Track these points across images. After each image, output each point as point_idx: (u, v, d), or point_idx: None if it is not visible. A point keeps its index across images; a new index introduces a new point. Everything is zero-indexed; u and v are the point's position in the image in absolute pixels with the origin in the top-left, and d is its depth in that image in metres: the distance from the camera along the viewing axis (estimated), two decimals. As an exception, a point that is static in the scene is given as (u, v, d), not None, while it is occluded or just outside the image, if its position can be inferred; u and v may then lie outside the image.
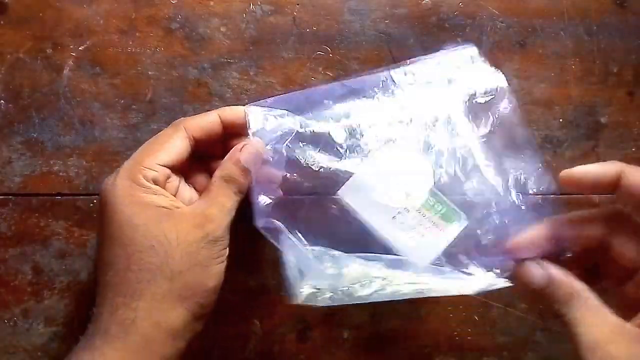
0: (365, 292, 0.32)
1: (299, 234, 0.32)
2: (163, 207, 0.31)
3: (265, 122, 0.33)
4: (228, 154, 0.33)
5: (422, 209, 0.34)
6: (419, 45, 0.40)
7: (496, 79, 0.35)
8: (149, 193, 0.31)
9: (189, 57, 0.39)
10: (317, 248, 0.32)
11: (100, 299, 0.30)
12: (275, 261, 0.39)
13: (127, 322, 0.29)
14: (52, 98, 0.38)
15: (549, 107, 0.41)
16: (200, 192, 0.35)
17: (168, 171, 0.32)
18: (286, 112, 0.34)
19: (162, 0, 0.39)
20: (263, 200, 0.32)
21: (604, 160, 0.41)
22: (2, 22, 0.38)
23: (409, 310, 0.41)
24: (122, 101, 0.39)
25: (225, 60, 0.39)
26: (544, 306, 0.42)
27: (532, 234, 0.31)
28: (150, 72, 0.39)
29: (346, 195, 0.34)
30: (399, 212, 0.33)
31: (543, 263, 0.31)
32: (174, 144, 0.33)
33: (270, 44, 0.40)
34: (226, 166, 0.33)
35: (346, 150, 0.34)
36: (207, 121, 0.34)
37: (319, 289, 0.31)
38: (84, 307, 0.38)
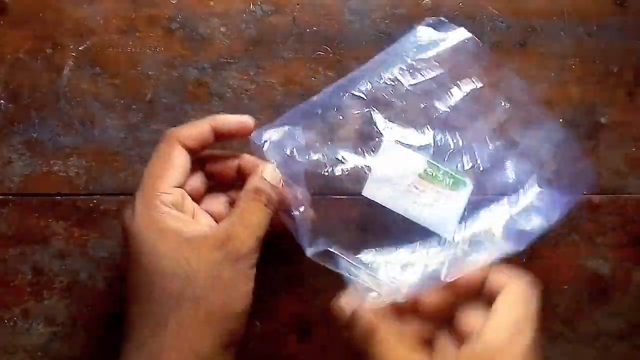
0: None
1: (345, 248, 0.35)
2: (184, 231, 0.30)
3: (273, 135, 0.34)
4: (252, 171, 0.33)
5: (435, 186, 0.37)
6: (419, 45, 0.40)
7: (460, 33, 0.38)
8: (169, 218, 0.30)
9: (189, 57, 0.39)
10: (365, 255, 0.36)
11: (127, 332, 0.30)
12: (275, 261, 0.39)
13: (154, 355, 0.28)
14: (52, 98, 0.38)
15: (549, 107, 0.41)
16: (216, 219, 0.34)
17: (183, 191, 0.32)
18: (289, 126, 0.35)
19: (162, 0, 0.39)
20: (304, 227, 0.33)
21: (604, 160, 0.41)
22: (2, 22, 0.38)
23: (409, 310, 0.41)
24: (122, 101, 0.39)
25: (225, 60, 0.39)
26: (543, 306, 0.42)
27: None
28: (150, 72, 0.39)
29: (370, 192, 0.36)
30: (417, 195, 0.37)
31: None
32: (176, 161, 0.31)
33: (270, 44, 0.40)
34: (254, 180, 0.32)
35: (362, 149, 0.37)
36: (199, 131, 0.33)
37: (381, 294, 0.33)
38: (84, 307, 0.38)
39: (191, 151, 0.32)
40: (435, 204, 0.37)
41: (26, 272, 0.38)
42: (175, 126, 0.39)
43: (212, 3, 0.39)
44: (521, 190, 0.37)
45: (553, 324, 0.42)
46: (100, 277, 0.38)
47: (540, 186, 0.37)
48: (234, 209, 0.31)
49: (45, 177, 0.38)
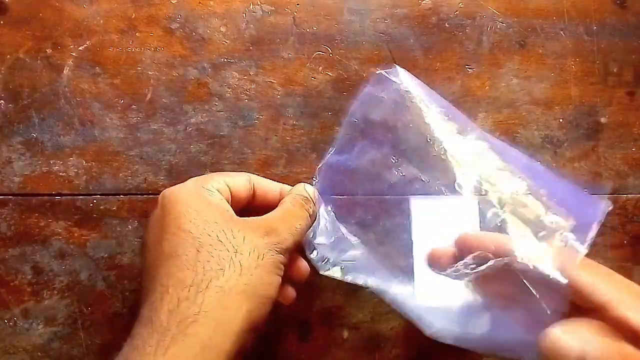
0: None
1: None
2: (230, 210, 0.31)
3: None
4: (294, 187, 0.35)
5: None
6: (419, 45, 0.40)
7: None
8: (217, 198, 0.31)
9: (189, 57, 0.39)
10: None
11: (156, 294, 0.28)
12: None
13: (188, 321, 0.27)
14: (52, 98, 0.38)
15: (549, 107, 0.41)
16: None
17: (229, 192, 0.33)
18: None
19: (162, 0, 0.39)
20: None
21: (605, 160, 0.41)
22: (2, 22, 0.38)
23: (409, 310, 0.41)
24: (122, 101, 0.39)
25: (225, 60, 0.39)
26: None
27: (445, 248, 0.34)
28: (150, 72, 0.39)
29: (414, 206, 0.37)
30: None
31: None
32: (239, 177, 0.34)
33: (270, 44, 0.40)
34: (301, 188, 0.34)
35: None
36: (270, 185, 0.35)
37: None
38: (84, 307, 0.38)
39: (255, 191, 0.35)
40: (441, 284, 0.35)
41: (26, 272, 0.38)
42: (174, 125, 0.39)
43: (212, 3, 0.39)
44: None
45: (553, 324, 0.42)
46: (100, 277, 0.38)
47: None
48: (282, 204, 0.33)
49: (45, 177, 0.38)
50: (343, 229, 0.36)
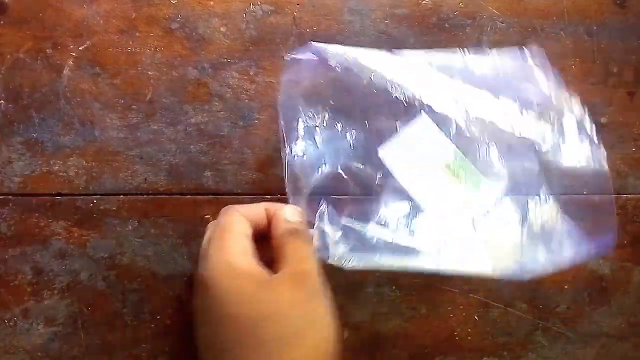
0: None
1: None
2: (261, 274, 0.30)
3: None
4: (274, 219, 0.33)
5: (456, 181, 0.37)
6: (419, 46, 0.40)
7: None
8: (245, 265, 0.30)
9: (189, 57, 0.39)
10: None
11: None
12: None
13: None
14: (52, 98, 0.38)
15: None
16: None
17: (250, 241, 0.32)
18: None
19: (162, 0, 0.39)
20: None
21: (605, 160, 0.41)
22: (2, 22, 0.38)
23: (409, 310, 0.41)
24: (122, 101, 0.39)
25: (225, 60, 0.39)
26: (543, 306, 0.42)
27: None
28: (150, 72, 0.39)
29: (386, 155, 0.37)
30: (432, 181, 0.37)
31: None
32: (239, 222, 0.32)
33: (270, 44, 0.40)
34: (280, 225, 0.33)
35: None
36: (255, 211, 0.34)
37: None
38: (84, 307, 0.38)
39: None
40: (445, 190, 0.36)
41: (26, 272, 0.38)
42: (174, 125, 0.39)
43: (212, 3, 0.39)
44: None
45: (553, 324, 0.42)
46: (100, 277, 0.38)
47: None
48: (283, 251, 0.32)
49: (45, 177, 0.38)
50: (345, 221, 0.36)
